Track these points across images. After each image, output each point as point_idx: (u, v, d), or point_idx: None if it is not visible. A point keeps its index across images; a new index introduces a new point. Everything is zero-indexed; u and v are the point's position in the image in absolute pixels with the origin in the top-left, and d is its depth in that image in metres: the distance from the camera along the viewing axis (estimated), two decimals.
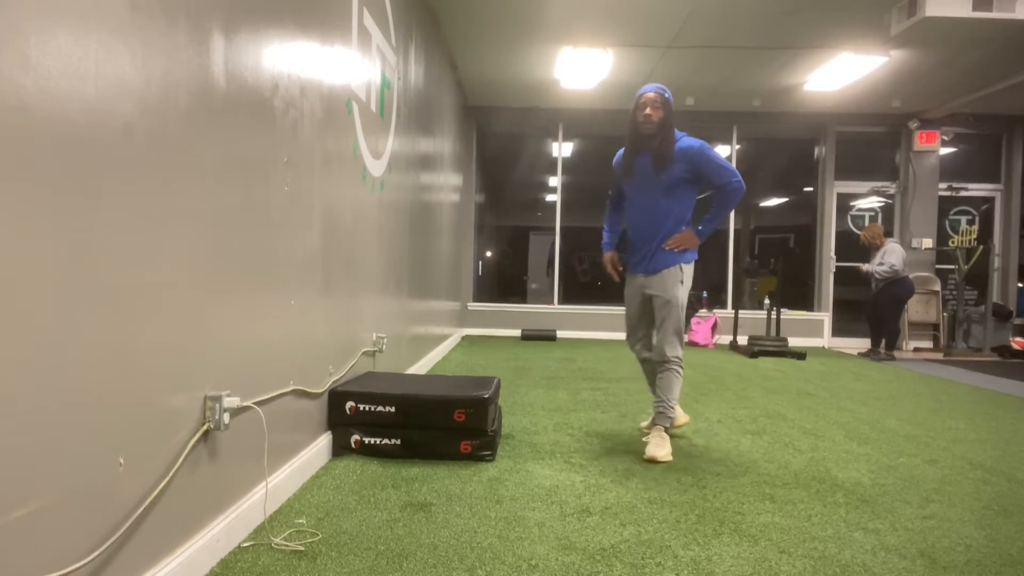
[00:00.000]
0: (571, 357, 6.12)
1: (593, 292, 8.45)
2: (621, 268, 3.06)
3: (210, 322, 1.61)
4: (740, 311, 7.75)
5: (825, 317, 8.06)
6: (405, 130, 4.01)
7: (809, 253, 8.30)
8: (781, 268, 7.02)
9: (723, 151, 8.08)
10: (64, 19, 1.10)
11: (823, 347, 7.91)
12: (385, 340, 3.39)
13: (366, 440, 2.60)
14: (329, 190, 2.50)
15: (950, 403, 4.27)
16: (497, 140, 8.54)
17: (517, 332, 8.07)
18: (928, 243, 7.95)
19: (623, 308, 3.04)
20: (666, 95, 2.76)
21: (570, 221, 8.27)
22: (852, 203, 8.23)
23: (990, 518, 2.15)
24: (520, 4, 4.99)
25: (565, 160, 8.34)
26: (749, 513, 2.13)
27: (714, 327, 7.51)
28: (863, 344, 7.64)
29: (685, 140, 2.76)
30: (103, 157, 1.21)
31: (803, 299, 8.27)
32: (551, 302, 8.36)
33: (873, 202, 8.23)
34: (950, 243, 8.12)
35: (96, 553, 1.22)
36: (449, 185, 6.43)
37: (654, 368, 2.97)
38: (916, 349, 7.83)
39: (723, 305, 8.17)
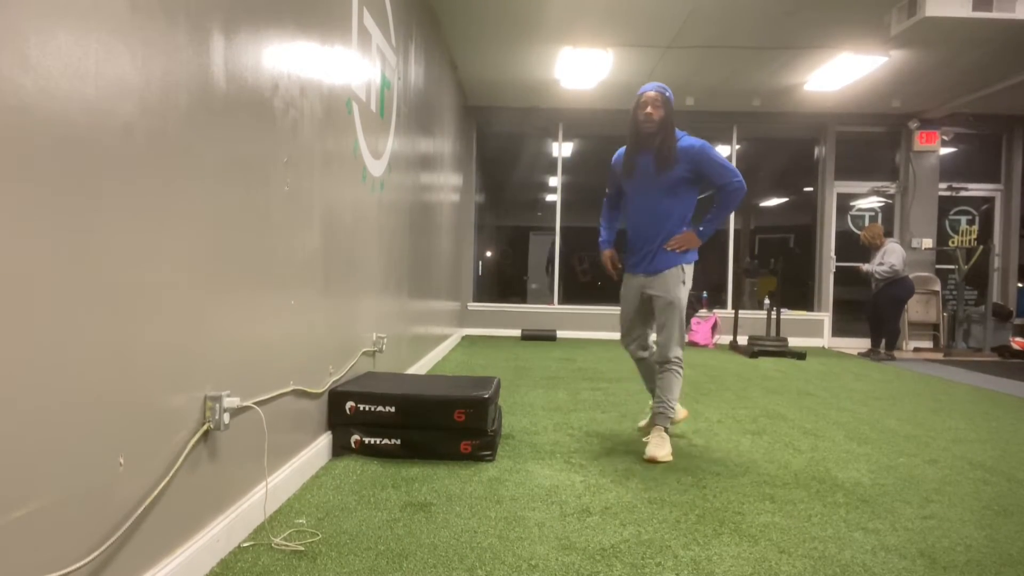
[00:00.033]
0: (571, 357, 6.12)
1: (593, 292, 8.45)
2: (620, 266, 3.05)
3: (210, 322, 1.61)
4: (740, 311, 7.75)
5: (825, 317, 8.06)
6: (405, 130, 4.01)
7: (809, 253, 8.30)
8: (781, 268, 7.02)
9: (723, 151, 8.08)
10: (64, 19, 1.10)
11: (823, 347, 7.91)
12: (385, 340, 3.39)
13: (366, 440, 2.60)
14: (329, 190, 2.50)
15: (950, 403, 4.27)
16: (497, 140, 8.54)
17: (517, 332, 8.07)
18: (928, 243, 7.95)
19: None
20: (667, 94, 2.75)
21: (570, 221, 8.27)
22: (852, 203, 8.23)
23: (990, 518, 2.15)
24: (520, 4, 4.99)
25: (565, 160, 8.34)
26: (749, 513, 2.13)
27: (714, 327, 7.51)
28: (863, 344, 7.64)
29: (686, 139, 2.76)
30: (103, 157, 1.21)
31: (803, 299, 8.27)
32: (551, 302, 8.36)
33: (873, 202, 8.23)
34: (950, 243, 8.12)
35: (96, 553, 1.22)
36: (449, 185, 6.43)
37: (650, 367, 2.97)
38: (916, 349, 7.83)
39: (723, 305, 8.17)
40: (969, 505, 2.27)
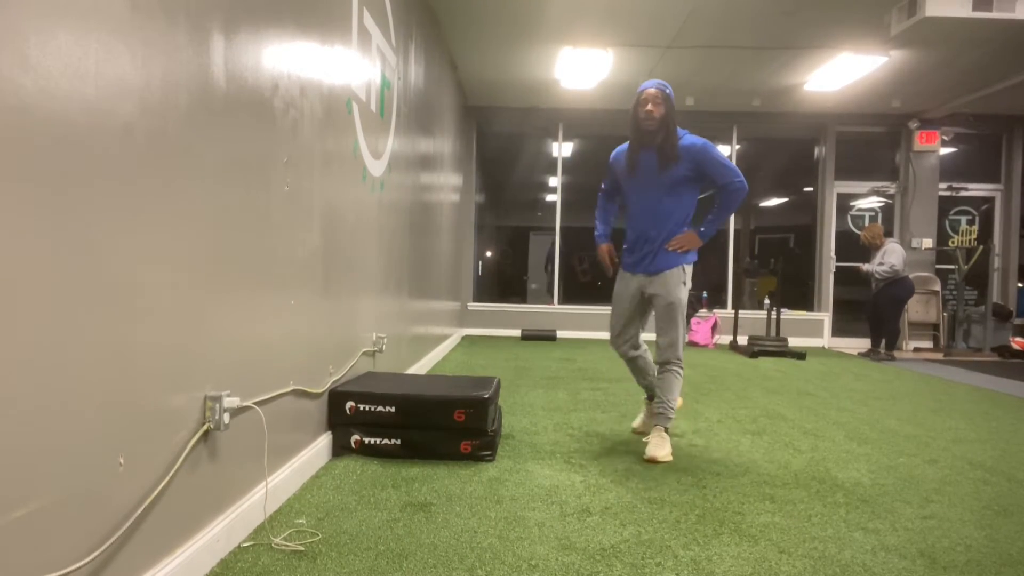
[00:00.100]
0: (571, 357, 6.12)
1: (593, 292, 8.45)
2: (617, 260, 3.01)
3: (210, 322, 1.61)
4: (740, 311, 7.75)
5: (825, 317, 8.06)
6: (405, 130, 4.01)
7: (809, 253, 8.30)
8: (781, 268, 7.02)
9: (723, 151, 8.06)
10: (64, 19, 1.10)
11: (823, 347, 7.91)
12: (385, 340, 3.39)
13: (366, 440, 2.60)
14: (329, 190, 2.50)
15: (950, 403, 4.27)
16: (497, 140, 8.54)
17: (517, 332, 8.07)
18: (928, 243, 7.95)
19: None
20: (667, 91, 2.73)
21: (570, 221, 8.27)
22: (852, 203, 8.23)
23: (990, 518, 2.15)
24: (520, 4, 4.99)
25: (565, 160, 8.34)
26: (749, 513, 2.13)
27: (714, 327, 7.51)
28: (863, 344, 7.64)
29: (688, 138, 2.74)
30: (103, 157, 1.21)
31: (803, 299, 8.27)
32: (550, 302, 8.36)
33: (873, 202, 8.23)
34: (950, 243, 8.12)
35: (96, 553, 1.22)
36: (449, 185, 6.43)
37: (642, 365, 2.96)
38: (916, 349, 7.83)
39: (723, 305, 8.17)
40: (969, 505, 2.27)
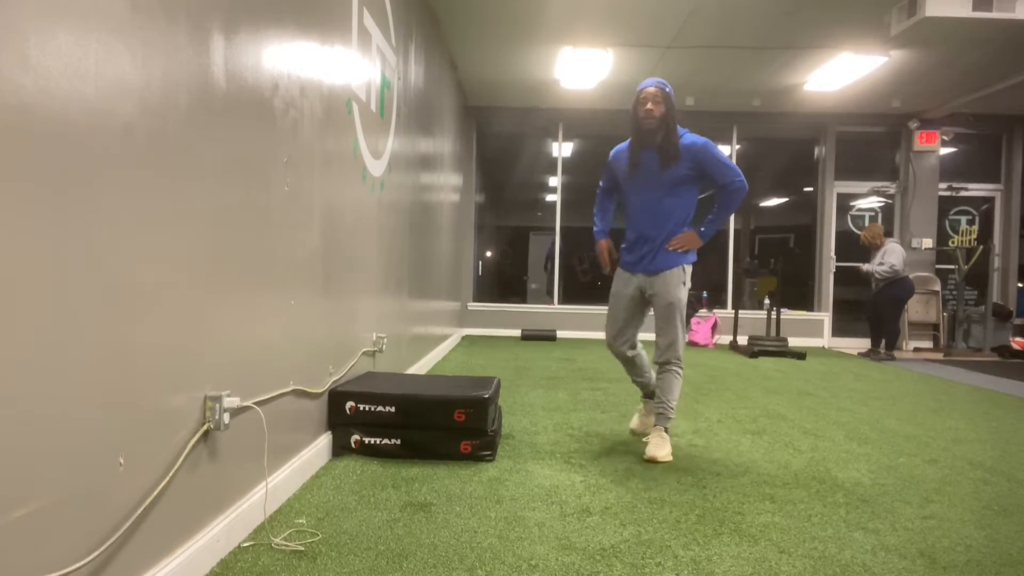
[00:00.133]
0: (571, 357, 6.12)
1: (593, 292, 8.45)
2: (616, 257, 2.99)
3: (210, 322, 1.61)
4: (740, 311, 7.75)
5: (825, 317, 8.06)
6: (405, 130, 4.01)
7: (809, 253, 8.30)
8: (781, 268, 7.02)
9: (723, 151, 8.07)
10: (64, 19, 1.10)
11: (823, 347, 7.91)
12: (385, 340, 3.39)
13: (366, 440, 2.60)
14: (329, 190, 2.50)
15: (950, 403, 4.27)
16: (497, 140, 8.54)
17: (517, 332, 8.07)
18: (928, 243, 7.95)
19: None
20: (667, 89, 2.71)
21: (570, 221, 8.27)
22: (852, 203, 8.23)
23: (990, 518, 2.15)
24: (520, 4, 4.99)
25: (565, 160, 8.34)
26: (749, 513, 2.13)
27: (714, 327, 7.51)
28: (863, 344, 7.64)
29: (688, 136, 2.73)
30: (103, 157, 1.21)
31: (803, 299, 8.27)
32: (550, 301, 8.36)
33: (873, 202, 8.23)
34: (950, 243, 8.12)
35: (96, 553, 1.22)
36: (449, 185, 6.43)
37: (641, 363, 2.95)
38: (916, 349, 7.83)
39: (723, 305, 8.17)
40: (969, 505, 2.27)
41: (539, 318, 8.14)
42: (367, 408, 2.58)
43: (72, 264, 1.13)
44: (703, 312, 7.61)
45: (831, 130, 8.05)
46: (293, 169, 2.12)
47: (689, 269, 2.81)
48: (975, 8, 4.40)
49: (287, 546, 1.77)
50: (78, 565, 1.16)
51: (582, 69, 6.34)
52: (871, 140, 8.16)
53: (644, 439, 2.89)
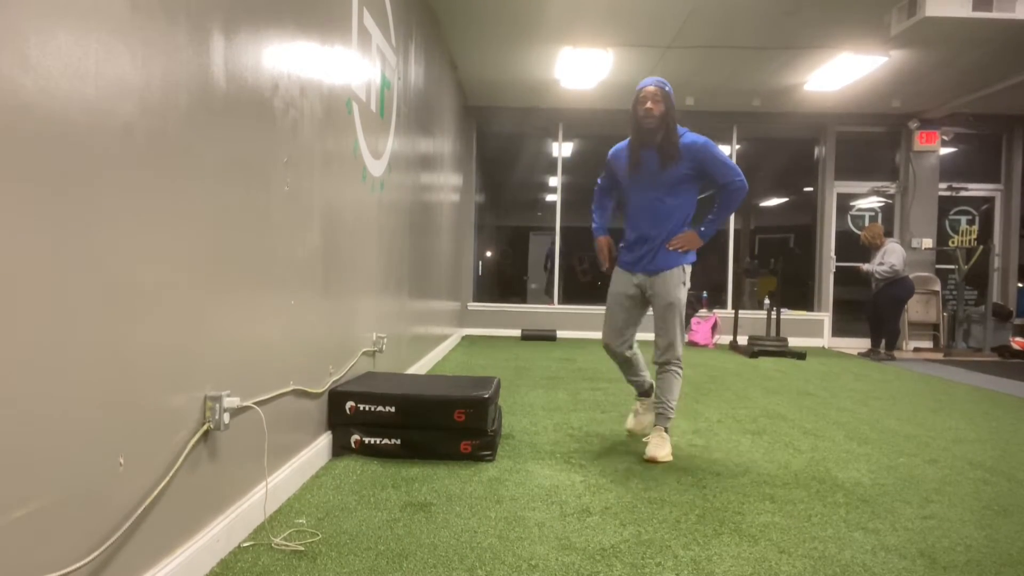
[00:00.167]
0: (571, 357, 6.12)
1: (593, 292, 8.45)
2: (615, 254, 2.97)
3: (210, 322, 1.61)
4: (740, 311, 7.75)
5: (825, 317, 8.06)
6: (405, 130, 4.01)
7: (809, 253, 8.30)
8: (781, 268, 7.02)
9: (723, 151, 8.07)
10: (64, 19, 1.10)
11: (823, 347, 7.91)
12: (385, 340, 3.39)
13: (366, 440, 2.60)
14: (329, 190, 2.50)
15: (950, 403, 4.27)
16: (497, 140, 8.54)
17: (517, 332, 8.07)
18: (928, 243, 7.95)
19: None
20: (666, 88, 2.70)
21: (570, 221, 8.27)
22: (852, 203, 8.24)
23: (990, 518, 2.15)
24: (520, 4, 4.99)
25: (565, 160, 8.34)
26: (749, 513, 2.13)
27: (714, 327, 7.51)
28: (863, 344, 7.64)
29: (688, 136, 2.72)
30: (103, 157, 1.21)
31: (803, 299, 8.27)
32: (550, 301, 8.36)
33: (873, 202, 8.23)
34: (950, 243, 8.12)
35: (96, 553, 1.22)
36: (449, 185, 6.43)
37: (637, 362, 2.95)
38: (916, 349, 7.83)
39: (723, 305, 8.17)
40: (969, 505, 2.27)
41: (539, 318, 8.14)
42: (367, 408, 2.58)
43: (72, 264, 1.13)
44: (703, 312, 7.61)
45: (831, 130, 8.05)
46: (293, 169, 2.12)
47: (689, 269, 2.81)
48: (975, 8, 4.40)
49: (287, 546, 1.77)
50: (78, 565, 1.16)
51: (582, 69, 6.34)
52: (871, 140, 8.16)
53: (644, 439, 2.88)
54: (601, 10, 5.06)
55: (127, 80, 1.27)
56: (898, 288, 6.53)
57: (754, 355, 6.53)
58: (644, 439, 2.89)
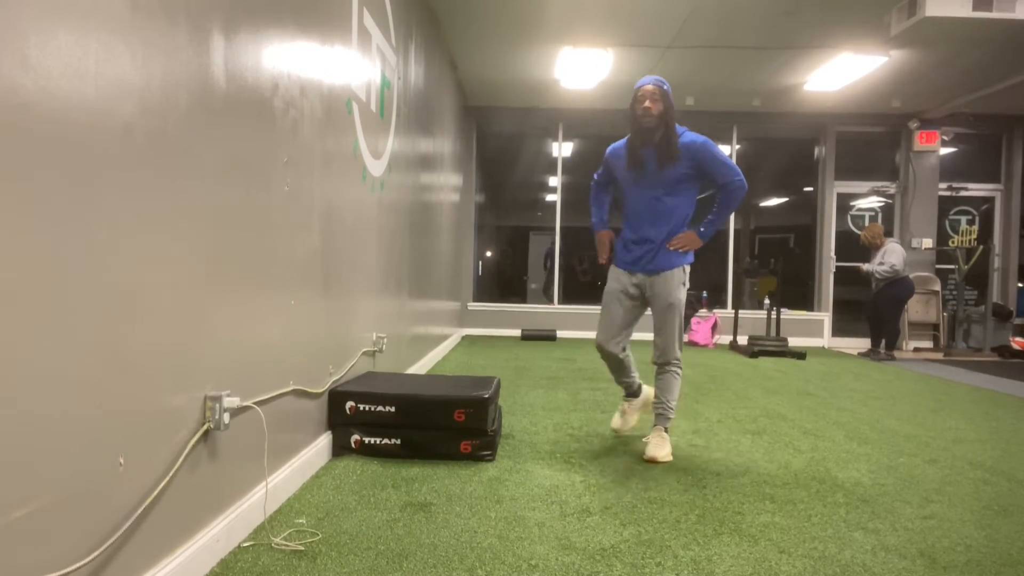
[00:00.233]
0: (571, 357, 6.12)
1: (593, 292, 8.45)
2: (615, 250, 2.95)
3: (210, 322, 1.61)
4: (740, 311, 7.75)
5: (825, 317, 8.06)
6: (405, 130, 4.01)
7: (809, 253, 8.30)
8: (781, 268, 7.02)
9: (723, 151, 8.07)
10: (64, 19, 1.10)
11: (823, 347, 7.91)
12: (385, 340, 3.39)
13: (366, 440, 2.60)
14: (329, 190, 2.50)
15: (950, 403, 4.27)
16: (497, 140, 8.54)
17: (517, 332, 8.07)
18: (928, 243, 7.95)
19: None
20: (664, 87, 2.68)
21: (570, 221, 8.27)
22: (852, 203, 8.24)
23: (990, 518, 2.15)
24: (520, 4, 4.99)
25: (565, 160, 8.34)
26: (749, 513, 2.13)
27: (714, 327, 7.51)
28: (863, 344, 7.64)
29: (688, 135, 2.71)
30: (103, 157, 1.21)
31: (803, 299, 8.27)
32: (550, 301, 8.36)
33: (873, 202, 8.23)
34: (950, 243, 8.12)
35: (96, 553, 1.22)
36: (449, 185, 6.43)
37: (629, 364, 2.93)
38: (916, 349, 7.83)
39: (723, 305, 8.17)
40: (969, 505, 2.27)
41: (539, 318, 8.14)
42: (367, 408, 2.58)
43: (72, 264, 1.13)
44: (703, 312, 7.61)
45: (831, 130, 8.05)
46: (293, 169, 2.12)
47: (688, 270, 2.80)
48: (975, 8, 4.40)
49: (287, 546, 1.77)
50: (78, 565, 1.16)
51: (582, 69, 6.34)
52: (871, 140, 8.16)
53: (644, 439, 2.88)
54: (601, 10, 5.06)
55: (127, 80, 1.27)
56: (898, 288, 6.53)
57: (754, 355, 6.53)
58: (644, 439, 2.89)
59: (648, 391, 3.10)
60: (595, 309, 8.09)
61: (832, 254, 8.13)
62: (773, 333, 7.31)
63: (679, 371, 2.82)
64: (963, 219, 8.21)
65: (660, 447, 2.70)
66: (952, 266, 7.75)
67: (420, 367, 4.68)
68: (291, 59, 2.09)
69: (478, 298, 8.40)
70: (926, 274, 7.84)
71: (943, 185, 8.06)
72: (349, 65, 2.75)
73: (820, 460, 2.78)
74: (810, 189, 8.36)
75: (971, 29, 4.67)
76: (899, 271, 6.45)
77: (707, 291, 7.98)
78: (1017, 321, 7.86)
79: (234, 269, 1.73)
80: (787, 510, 2.16)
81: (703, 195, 2.88)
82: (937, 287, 7.82)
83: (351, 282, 2.84)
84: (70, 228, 1.13)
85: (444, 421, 2.57)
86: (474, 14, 5.22)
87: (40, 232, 1.06)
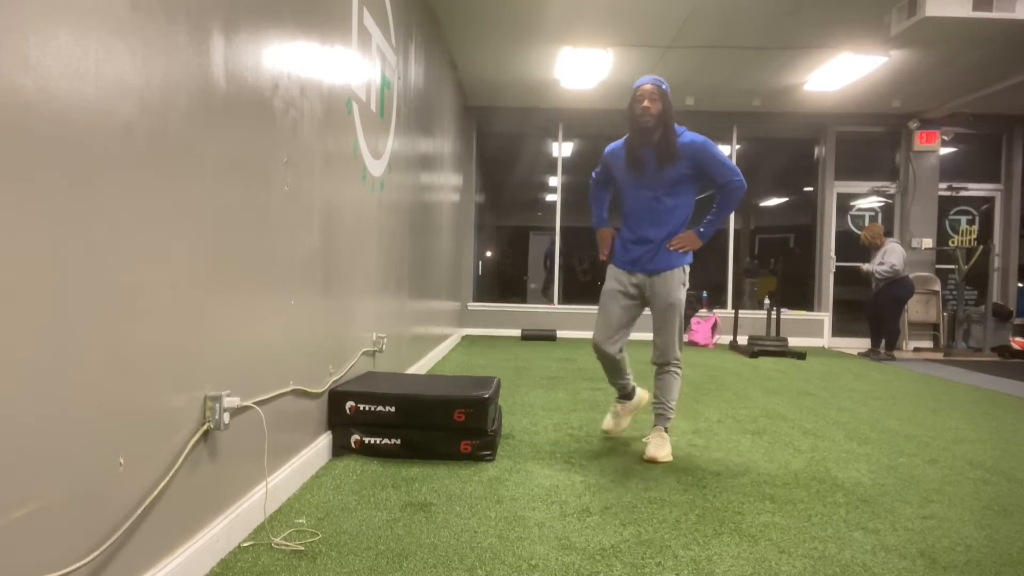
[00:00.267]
0: (571, 357, 6.12)
1: (593, 292, 8.45)
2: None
3: (210, 322, 1.61)
4: (740, 311, 7.75)
5: (825, 317, 8.06)
6: (405, 130, 4.01)
7: (809, 253, 8.30)
8: (781, 268, 7.02)
9: (723, 151, 8.07)
10: (64, 19, 1.10)
11: (823, 347, 7.91)
12: (385, 340, 3.40)
13: (366, 440, 2.60)
14: (329, 190, 2.50)
15: (950, 403, 4.27)
16: (497, 140, 8.54)
17: (517, 332, 8.07)
18: (928, 243, 7.95)
19: None
20: (663, 86, 2.67)
21: (570, 221, 8.27)
22: (852, 203, 8.24)
23: (990, 518, 2.15)
24: (520, 4, 4.99)
25: (565, 160, 8.34)
26: (749, 513, 2.13)
27: (714, 327, 7.51)
28: (863, 344, 7.64)
29: (687, 135, 2.70)
30: (103, 157, 1.21)
31: (803, 299, 8.27)
32: (550, 301, 8.36)
33: (873, 202, 8.23)
34: (950, 243, 8.12)
35: (96, 553, 1.22)
36: (449, 185, 6.43)
37: (624, 366, 2.91)
38: (916, 349, 7.83)
39: (723, 305, 8.17)
40: (969, 505, 2.27)
41: (539, 318, 8.14)
42: (367, 408, 2.58)
43: (72, 264, 1.13)
44: (703, 312, 7.61)
45: (831, 130, 8.05)
46: (293, 169, 2.12)
47: (687, 270, 2.80)
48: (975, 8, 4.40)
49: (287, 546, 1.77)
50: (78, 565, 1.16)
51: (582, 69, 6.34)
52: (871, 140, 8.16)
53: (644, 439, 2.88)
54: (601, 10, 5.06)
55: (127, 80, 1.27)
56: (898, 288, 6.53)
57: (754, 355, 6.53)
58: (644, 439, 2.89)
59: (641, 395, 3.09)
60: (595, 309, 8.07)
61: (832, 254, 8.13)
62: (773, 333, 7.31)
63: (679, 371, 2.82)
64: (963, 219, 8.22)
65: (660, 447, 2.70)
66: (952, 266, 7.75)
67: (420, 367, 4.68)
68: (291, 59, 2.09)
69: (478, 298, 8.40)
70: (926, 274, 7.84)
71: (943, 185, 8.06)
72: (349, 65, 2.75)
73: (820, 460, 2.78)
74: (810, 189, 8.36)
75: (971, 29, 4.67)
76: (899, 271, 6.45)
77: (707, 291, 7.98)
78: (1017, 321, 7.86)
79: (234, 269, 1.73)
80: (787, 510, 2.16)
81: (702, 195, 2.88)
82: (937, 287, 7.82)
83: (351, 282, 2.84)
84: (70, 228, 1.13)
85: (444, 421, 2.57)
86: (474, 14, 5.22)
87: (40, 232, 1.06)
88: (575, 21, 5.30)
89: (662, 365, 2.80)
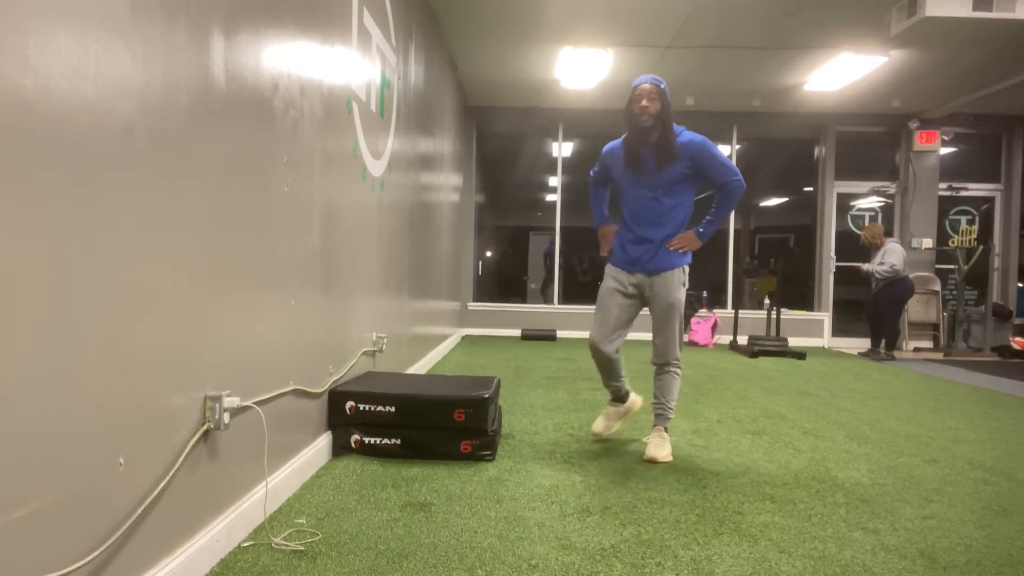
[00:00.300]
0: (571, 357, 6.12)
1: (593, 292, 8.44)
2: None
3: (210, 322, 1.61)
4: (740, 311, 7.75)
5: (825, 317, 8.06)
6: (405, 130, 4.01)
7: (809, 253, 8.30)
8: (781, 268, 7.02)
9: (723, 151, 8.07)
10: (64, 19, 1.10)
11: (823, 347, 7.91)
12: (385, 340, 3.39)
13: (366, 440, 2.60)
14: (329, 190, 2.50)
15: (950, 403, 4.27)
16: (497, 140, 8.54)
17: (517, 332, 8.07)
18: (928, 243, 7.95)
19: None
20: (662, 86, 2.66)
21: (570, 221, 8.27)
22: (852, 203, 8.24)
23: (990, 518, 2.15)
24: (520, 4, 4.99)
25: (565, 160, 8.34)
26: (749, 513, 2.13)
27: (714, 327, 7.51)
28: (863, 344, 7.63)
29: (686, 135, 2.69)
30: (103, 157, 1.21)
31: (803, 299, 8.27)
32: (549, 301, 8.36)
33: (873, 202, 8.23)
34: (950, 243, 8.12)
35: (96, 553, 1.22)
36: (449, 185, 6.43)
37: (619, 368, 2.90)
38: (916, 349, 7.83)
39: (723, 305, 8.17)
40: (969, 505, 2.27)
41: (539, 318, 8.14)
42: (367, 408, 2.58)
43: (72, 264, 1.13)
44: (703, 312, 7.61)
45: (831, 130, 8.05)
46: (293, 169, 2.12)
47: (687, 269, 2.80)
48: (975, 8, 4.40)
49: (287, 546, 1.77)
50: (78, 565, 1.16)
51: (582, 69, 6.34)
52: (871, 140, 8.16)
53: (644, 439, 2.88)
54: (601, 10, 5.06)
55: (127, 80, 1.27)
56: (898, 288, 6.53)
57: (754, 355, 6.53)
58: (644, 439, 2.89)
59: (633, 400, 3.08)
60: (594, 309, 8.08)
61: (832, 254, 8.13)
62: (773, 333, 7.31)
63: (679, 371, 2.82)
64: (963, 219, 8.22)
65: (660, 447, 2.70)
66: (952, 266, 7.75)
67: (420, 367, 4.68)
68: (291, 59, 2.09)
69: (478, 298, 8.40)
70: (926, 274, 7.84)
71: (943, 185, 8.06)
72: (349, 65, 2.75)
73: (820, 460, 2.78)
74: (810, 189, 8.36)
75: (971, 29, 4.67)
76: (899, 271, 6.45)
77: (707, 291, 7.98)
78: (1017, 321, 7.86)
79: (234, 269, 1.73)
80: (787, 510, 2.16)
81: (702, 195, 2.87)
82: (937, 287, 7.82)
83: (351, 282, 2.84)
84: (70, 228, 1.13)
85: (444, 421, 2.57)
86: (474, 14, 5.22)
87: (40, 232, 1.06)
88: (575, 21, 5.30)
89: (662, 365, 2.80)
